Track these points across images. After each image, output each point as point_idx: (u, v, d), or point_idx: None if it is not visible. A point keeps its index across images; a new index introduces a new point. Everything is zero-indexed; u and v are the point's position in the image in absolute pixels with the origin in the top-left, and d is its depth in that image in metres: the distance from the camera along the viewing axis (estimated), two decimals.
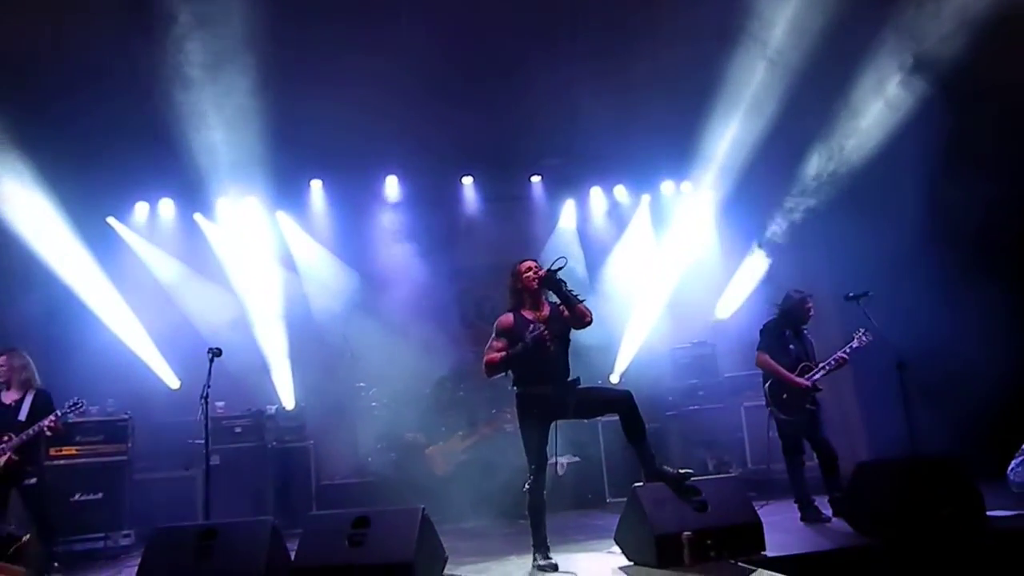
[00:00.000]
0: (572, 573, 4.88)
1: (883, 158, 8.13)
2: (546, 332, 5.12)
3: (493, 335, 5.39)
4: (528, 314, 5.38)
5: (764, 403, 6.77)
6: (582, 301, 5.28)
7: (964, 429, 7.15)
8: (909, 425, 6.28)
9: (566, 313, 5.33)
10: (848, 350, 6.54)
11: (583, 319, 5.28)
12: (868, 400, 9.05)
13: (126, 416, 8.03)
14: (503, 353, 5.23)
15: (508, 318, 5.39)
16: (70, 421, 7.37)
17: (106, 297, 8.83)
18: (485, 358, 5.31)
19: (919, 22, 7.29)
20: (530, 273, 5.41)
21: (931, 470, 5.47)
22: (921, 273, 7.87)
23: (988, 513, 5.47)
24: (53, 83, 7.51)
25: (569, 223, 10.53)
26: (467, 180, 10.40)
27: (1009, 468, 6.69)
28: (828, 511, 6.28)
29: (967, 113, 7.45)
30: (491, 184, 10.43)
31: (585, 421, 5.53)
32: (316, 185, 10.03)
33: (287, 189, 9.63)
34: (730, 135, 8.95)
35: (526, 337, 5.13)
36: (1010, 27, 6.80)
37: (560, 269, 5.21)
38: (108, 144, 8.22)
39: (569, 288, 5.25)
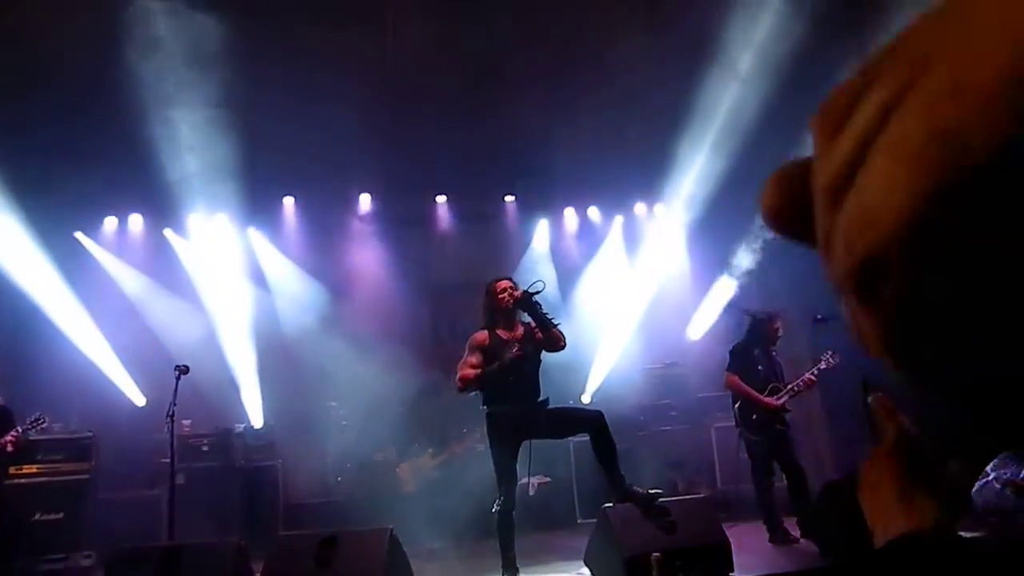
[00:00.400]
0: None
1: None
2: (520, 353, 5.11)
3: (467, 351, 5.37)
4: (502, 333, 5.38)
5: (734, 423, 6.82)
6: (556, 325, 5.29)
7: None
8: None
9: (540, 335, 5.33)
10: (816, 372, 6.60)
11: (557, 343, 5.30)
12: (836, 420, 9.13)
13: (89, 434, 7.89)
14: (479, 370, 5.21)
15: (483, 335, 5.38)
16: (31, 438, 7.26)
17: (72, 312, 8.69)
18: (459, 373, 5.28)
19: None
20: (505, 294, 5.41)
21: None
22: None
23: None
24: (19, 93, 7.42)
25: (542, 243, 10.57)
26: (441, 199, 10.41)
27: (973, 490, 6.77)
28: (797, 532, 6.32)
29: None
30: (465, 203, 10.44)
31: (556, 441, 5.52)
32: (288, 202, 9.98)
33: (259, 206, 9.57)
34: (702, 159, 9.07)
35: (503, 356, 5.12)
36: None
37: (537, 292, 5.23)
38: (77, 157, 8.09)
39: (544, 311, 5.25)
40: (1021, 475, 6.52)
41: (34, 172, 8.08)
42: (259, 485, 8.39)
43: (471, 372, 5.24)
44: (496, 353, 5.25)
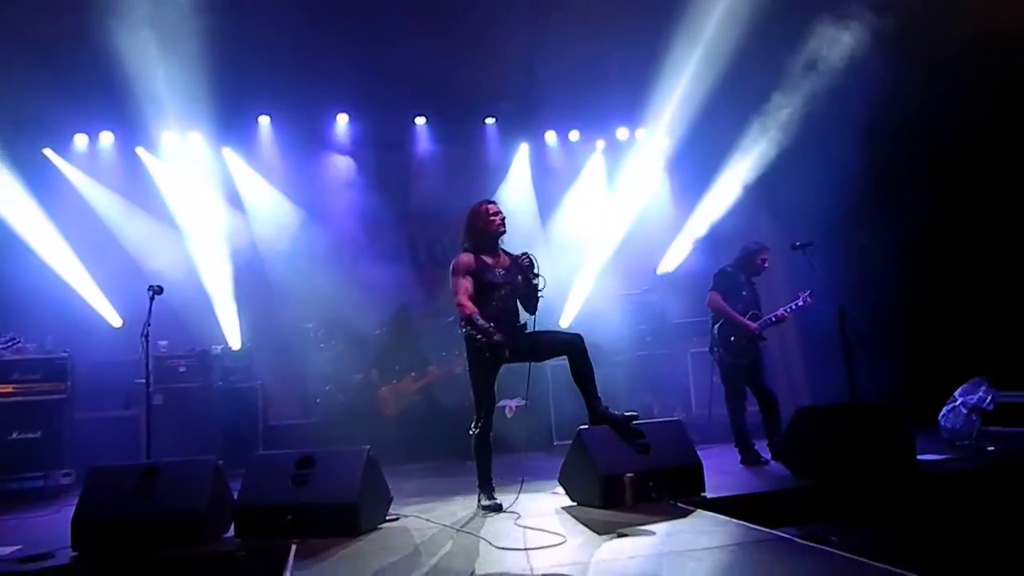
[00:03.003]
0: (516, 513, 4.94)
1: (828, 111, 8.16)
2: (499, 339, 4.91)
3: (456, 276, 5.20)
4: (487, 258, 5.31)
5: (709, 347, 6.89)
6: (541, 296, 5.25)
7: (901, 377, 7.37)
8: (849, 373, 6.43)
9: (522, 281, 5.25)
10: (790, 308, 6.67)
11: (530, 311, 5.28)
12: (811, 348, 9.26)
13: (65, 354, 7.84)
14: (474, 313, 4.97)
15: (468, 258, 5.26)
16: (6, 359, 7.21)
17: (43, 232, 8.53)
18: (458, 300, 5.11)
19: None
20: (496, 217, 5.33)
21: (866, 417, 5.63)
22: (863, 224, 8.01)
23: (919, 457, 5.67)
24: None
25: (523, 167, 10.45)
26: (420, 121, 10.22)
27: (940, 415, 6.93)
28: (767, 455, 6.45)
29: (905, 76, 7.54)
30: (444, 126, 10.26)
31: (534, 364, 5.55)
32: (264, 121, 9.75)
33: (234, 125, 9.36)
34: (683, 84, 8.92)
35: (488, 327, 4.91)
36: None
37: (537, 277, 5.18)
38: (45, 71, 7.83)
39: (536, 284, 5.21)
40: (987, 401, 6.67)
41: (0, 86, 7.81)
42: (238, 406, 8.40)
43: (469, 306, 5.05)
44: (482, 278, 5.21)
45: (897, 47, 7.44)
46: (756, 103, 8.73)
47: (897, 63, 7.41)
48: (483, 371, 5.24)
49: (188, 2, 7.33)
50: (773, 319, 6.66)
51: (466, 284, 5.19)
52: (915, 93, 7.51)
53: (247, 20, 7.76)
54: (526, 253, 5.31)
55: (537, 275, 5.24)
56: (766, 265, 6.87)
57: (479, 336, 4.85)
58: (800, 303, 6.69)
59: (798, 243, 6.75)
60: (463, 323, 5.06)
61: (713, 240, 9.37)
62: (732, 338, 6.65)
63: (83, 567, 4.48)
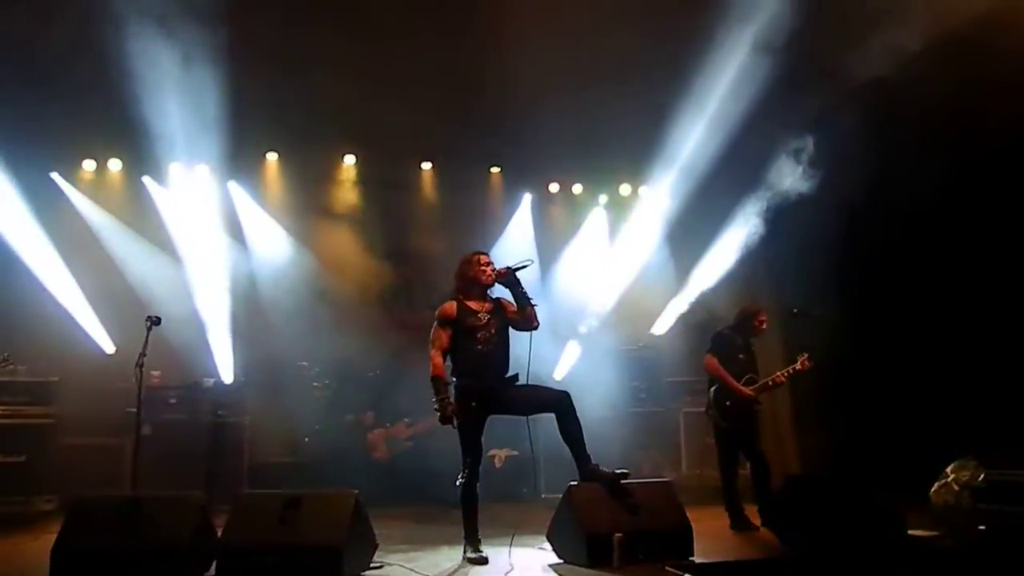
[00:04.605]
0: (502, 567, 4.88)
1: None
2: (456, 415, 5.14)
3: (436, 323, 5.36)
4: (472, 304, 5.37)
5: (704, 409, 6.87)
6: (535, 305, 5.30)
7: (892, 449, 7.35)
8: (837, 443, 6.43)
9: (512, 310, 5.35)
10: (789, 371, 6.68)
11: (531, 323, 5.32)
12: (801, 417, 9.22)
13: (55, 379, 7.81)
14: (439, 375, 5.22)
15: (451, 307, 5.37)
16: None
17: (44, 254, 8.50)
18: (432, 356, 5.28)
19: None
20: (488, 268, 5.40)
21: (856, 489, 5.60)
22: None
23: (909, 532, 5.63)
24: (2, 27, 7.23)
25: (525, 216, 10.52)
26: (426, 166, 10.31)
27: (931, 491, 6.87)
28: (757, 520, 6.40)
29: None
30: (450, 172, 10.35)
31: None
32: (271, 158, 9.83)
33: (241, 160, 9.38)
34: (691, 145, 9.03)
35: (449, 404, 5.18)
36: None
37: (523, 268, 5.24)
38: (58, 95, 7.91)
39: (524, 290, 5.27)
40: (979, 478, 6.62)
41: (11, 107, 7.86)
42: (225, 441, 8.33)
43: (438, 364, 5.25)
44: (464, 323, 5.27)
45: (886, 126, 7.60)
46: (756, 170, 8.83)
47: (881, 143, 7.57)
48: (469, 421, 5.24)
49: (204, 38, 7.43)
50: (770, 383, 6.66)
51: (442, 336, 5.31)
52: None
53: (260, 59, 7.88)
54: (508, 266, 5.34)
55: (516, 267, 5.28)
56: (764, 327, 6.90)
57: (434, 406, 5.13)
58: (798, 367, 6.69)
59: (795, 309, 6.79)
60: (451, 375, 5.17)
61: (710, 302, 9.39)
62: (728, 403, 6.64)
63: None
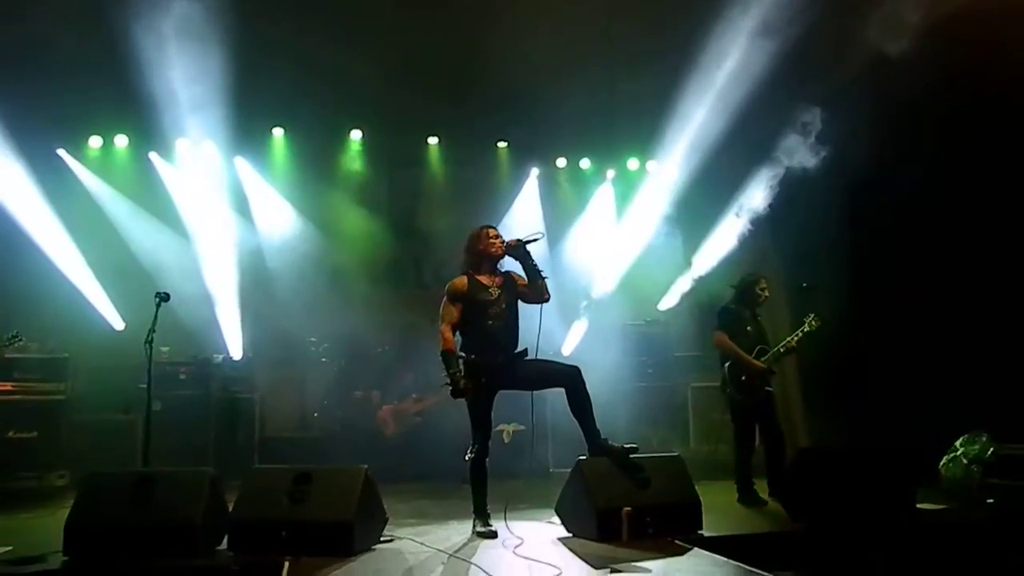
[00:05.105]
0: (511, 540, 4.90)
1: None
2: (468, 388, 5.11)
3: (446, 298, 5.35)
4: (483, 279, 5.36)
5: (719, 384, 6.84)
6: (545, 278, 5.28)
7: (902, 422, 7.34)
8: (849, 415, 6.41)
9: (522, 283, 5.34)
10: (799, 334, 6.63)
11: (541, 295, 5.30)
12: (810, 389, 9.20)
13: (66, 355, 7.85)
14: (450, 349, 5.20)
15: (461, 281, 5.36)
16: (7, 356, 7.19)
17: (52, 231, 8.50)
18: (443, 331, 5.27)
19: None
20: (496, 240, 5.38)
21: (867, 462, 5.59)
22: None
23: (918, 506, 5.64)
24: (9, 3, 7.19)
25: (533, 191, 10.47)
26: (432, 140, 10.26)
27: (941, 464, 6.88)
28: (765, 495, 6.40)
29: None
30: (457, 147, 10.30)
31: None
32: (278, 133, 9.79)
33: (248, 135, 9.36)
34: (698, 121, 8.95)
35: (458, 368, 5.15)
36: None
37: (534, 241, 5.21)
38: (64, 71, 7.87)
39: (534, 262, 5.25)
40: (988, 452, 6.63)
41: (18, 83, 7.83)
42: (235, 416, 8.40)
43: (449, 339, 5.24)
44: (475, 298, 5.26)
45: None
46: (766, 146, 8.75)
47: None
48: (479, 397, 5.24)
49: (210, 13, 7.39)
50: (782, 350, 6.62)
51: (452, 311, 5.29)
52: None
53: (266, 33, 7.84)
54: (519, 239, 5.30)
55: (526, 240, 5.25)
56: (766, 293, 6.85)
57: (445, 380, 5.10)
58: (806, 328, 6.64)
59: (806, 283, 6.75)
60: (459, 350, 5.17)
61: (717, 277, 9.34)
62: (743, 377, 6.61)
63: (73, 573, 4.44)
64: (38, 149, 8.59)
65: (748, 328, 6.73)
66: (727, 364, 6.70)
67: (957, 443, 6.87)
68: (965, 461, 6.69)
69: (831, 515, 5.30)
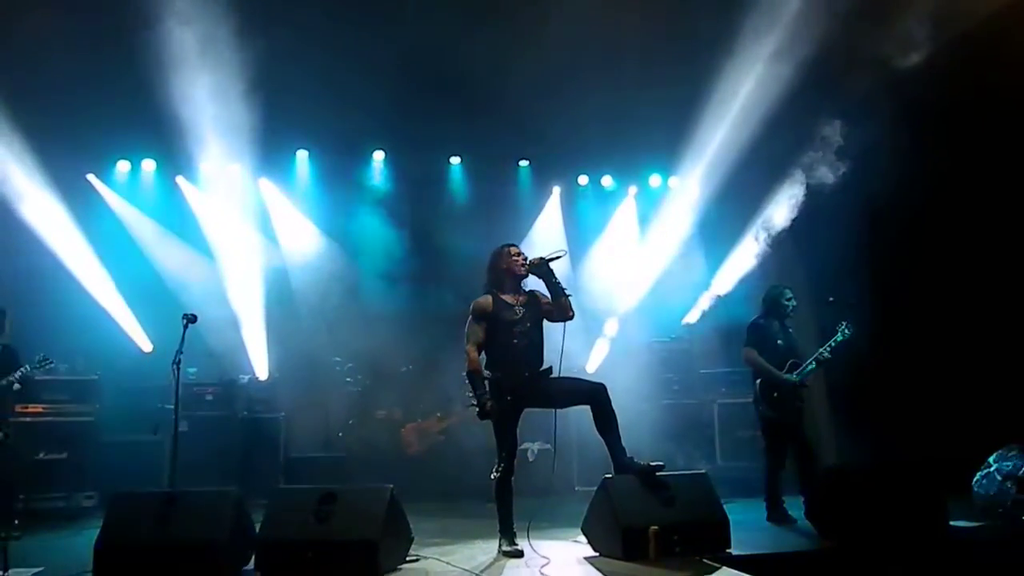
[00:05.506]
0: (536, 560, 4.88)
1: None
2: (495, 410, 5.14)
3: (471, 317, 5.36)
4: (507, 298, 5.36)
5: (745, 400, 6.76)
6: (569, 296, 5.28)
7: (933, 437, 7.23)
8: (875, 430, 6.31)
9: (546, 302, 5.34)
10: (831, 345, 6.54)
11: (565, 313, 5.30)
12: (836, 405, 9.09)
13: (95, 376, 7.95)
14: (476, 369, 5.25)
15: (486, 300, 5.37)
16: (37, 379, 7.29)
17: (82, 254, 8.66)
18: (468, 350, 5.29)
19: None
20: (520, 257, 5.40)
21: (898, 478, 5.51)
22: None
23: (951, 523, 5.53)
24: (40, 33, 7.33)
25: (555, 209, 10.49)
26: (455, 160, 10.32)
27: (974, 480, 6.76)
28: (802, 511, 6.30)
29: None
30: (479, 165, 10.34)
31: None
32: (302, 155, 9.90)
33: (272, 157, 9.47)
34: (719, 137, 8.93)
35: (486, 385, 5.23)
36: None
37: (556, 259, 5.22)
38: (93, 98, 8.03)
39: (557, 280, 5.25)
40: (1022, 469, 6.50)
41: (48, 111, 8.00)
42: (261, 436, 8.45)
43: (474, 359, 5.27)
44: (500, 317, 5.25)
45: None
46: (788, 162, 8.71)
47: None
48: (504, 415, 5.22)
49: (235, 37, 7.50)
50: (814, 363, 6.54)
51: (477, 331, 5.29)
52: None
53: (290, 57, 7.94)
54: (542, 257, 5.31)
55: (549, 258, 5.25)
56: (793, 303, 6.78)
57: (471, 401, 5.12)
58: (839, 337, 6.56)
59: (831, 299, 6.68)
60: (484, 368, 5.18)
61: (741, 294, 9.28)
62: (775, 394, 6.53)
63: None
64: (68, 174, 8.76)
65: (779, 341, 6.65)
66: (758, 380, 6.62)
67: (990, 459, 6.74)
68: (999, 478, 6.56)
69: (862, 533, 5.22)
